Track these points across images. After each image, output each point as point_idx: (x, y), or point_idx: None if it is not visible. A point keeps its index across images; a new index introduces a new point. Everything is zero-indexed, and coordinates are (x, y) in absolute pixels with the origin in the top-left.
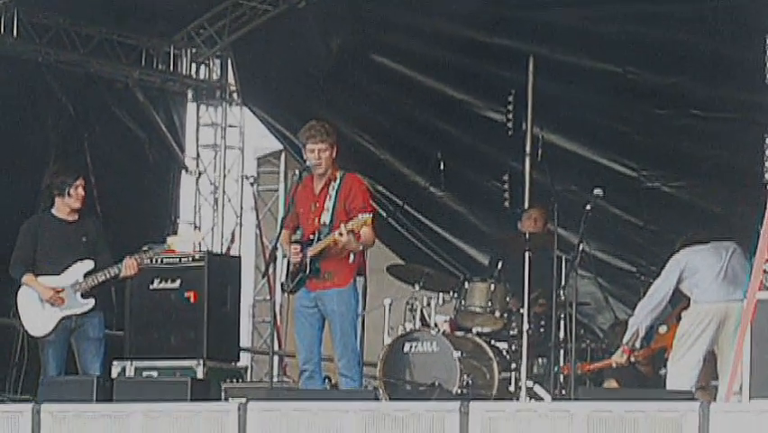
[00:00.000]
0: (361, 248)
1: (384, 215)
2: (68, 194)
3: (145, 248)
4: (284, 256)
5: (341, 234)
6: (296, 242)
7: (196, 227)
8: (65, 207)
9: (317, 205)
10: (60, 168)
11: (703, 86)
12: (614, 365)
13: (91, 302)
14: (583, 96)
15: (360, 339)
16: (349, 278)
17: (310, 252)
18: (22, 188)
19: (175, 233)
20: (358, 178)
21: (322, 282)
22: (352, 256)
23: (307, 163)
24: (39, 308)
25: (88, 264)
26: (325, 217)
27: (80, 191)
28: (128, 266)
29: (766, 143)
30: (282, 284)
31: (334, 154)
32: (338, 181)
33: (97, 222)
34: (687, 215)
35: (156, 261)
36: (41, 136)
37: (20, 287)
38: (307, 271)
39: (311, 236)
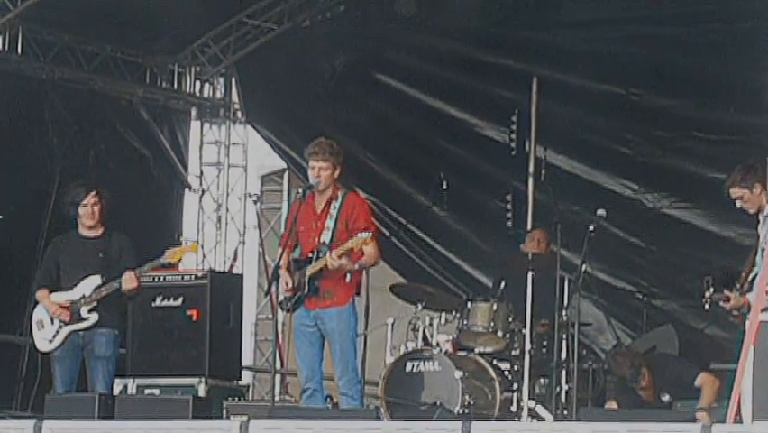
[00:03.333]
0: (357, 268)
1: (387, 234)
2: (78, 214)
3: (146, 267)
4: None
5: (332, 259)
6: (294, 260)
7: (195, 242)
8: (81, 224)
9: (318, 224)
10: (70, 187)
11: (706, 108)
12: (729, 302)
13: (95, 317)
14: (585, 117)
15: (361, 358)
16: (348, 297)
17: (308, 270)
18: (29, 204)
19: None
20: (360, 197)
21: (321, 301)
22: (348, 276)
23: (310, 181)
24: (48, 324)
25: (96, 279)
26: (325, 236)
27: (88, 209)
28: (127, 279)
29: None
30: (281, 303)
31: (337, 174)
32: (339, 201)
33: (124, 239)
34: (688, 236)
35: (158, 279)
36: (47, 153)
37: (37, 303)
38: (306, 290)
39: (310, 255)
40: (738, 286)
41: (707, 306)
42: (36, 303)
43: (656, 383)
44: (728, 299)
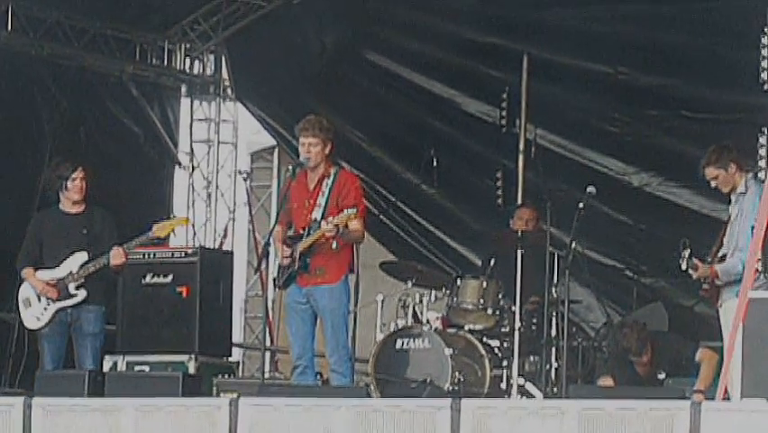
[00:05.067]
0: (346, 236)
1: (376, 212)
2: (66, 187)
3: (135, 242)
4: (275, 253)
5: (328, 226)
6: (288, 237)
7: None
8: (66, 200)
9: (310, 201)
10: (57, 162)
11: (694, 87)
12: (697, 270)
13: (83, 294)
14: (574, 96)
15: (351, 335)
16: (340, 274)
17: (300, 247)
18: (20, 181)
19: None
20: (351, 175)
21: (313, 278)
22: (334, 244)
23: (301, 158)
24: (35, 302)
25: (82, 256)
26: (317, 213)
27: (77, 183)
28: (115, 255)
29: (759, 143)
30: (274, 279)
31: (327, 150)
32: (331, 178)
33: (106, 214)
34: (676, 214)
35: (148, 255)
36: (38, 130)
37: (23, 281)
38: (297, 267)
39: (301, 231)
40: (709, 259)
41: (683, 266)
42: (22, 281)
43: (655, 360)
44: (696, 268)
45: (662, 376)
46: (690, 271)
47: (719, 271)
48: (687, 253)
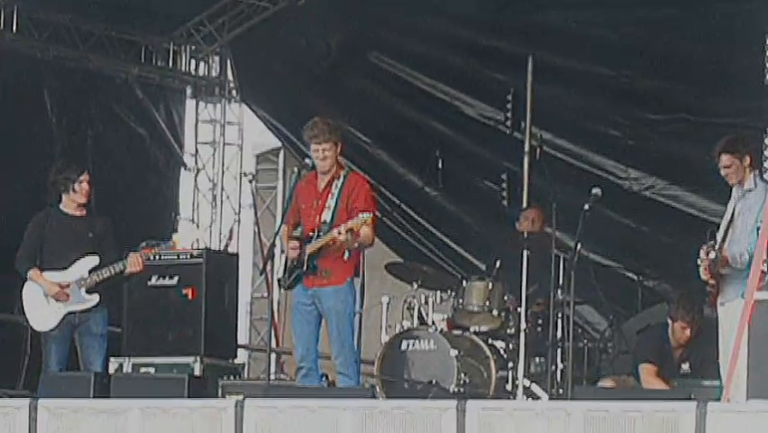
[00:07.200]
0: (357, 246)
1: (379, 214)
2: (73, 190)
3: (143, 244)
4: (282, 252)
5: (339, 233)
6: (295, 238)
7: (194, 223)
8: (71, 202)
9: (319, 202)
10: (64, 164)
11: (697, 90)
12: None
13: (96, 298)
14: (577, 99)
15: (357, 337)
16: (346, 276)
17: (308, 249)
18: (27, 183)
19: (175, 230)
20: (362, 177)
21: (319, 280)
22: (347, 253)
23: (307, 161)
24: (43, 303)
25: (93, 260)
26: (326, 215)
27: (84, 186)
28: (133, 262)
29: (764, 145)
30: (279, 280)
31: (339, 151)
32: (341, 180)
33: (106, 219)
34: (677, 218)
35: (154, 257)
36: (44, 132)
37: (25, 281)
38: (304, 268)
39: (310, 233)
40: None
41: (711, 255)
42: (24, 281)
43: (689, 346)
44: (707, 253)
45: (685, 367)
46: (706, 259)
47: (729, 257)
48: (713, 243)
